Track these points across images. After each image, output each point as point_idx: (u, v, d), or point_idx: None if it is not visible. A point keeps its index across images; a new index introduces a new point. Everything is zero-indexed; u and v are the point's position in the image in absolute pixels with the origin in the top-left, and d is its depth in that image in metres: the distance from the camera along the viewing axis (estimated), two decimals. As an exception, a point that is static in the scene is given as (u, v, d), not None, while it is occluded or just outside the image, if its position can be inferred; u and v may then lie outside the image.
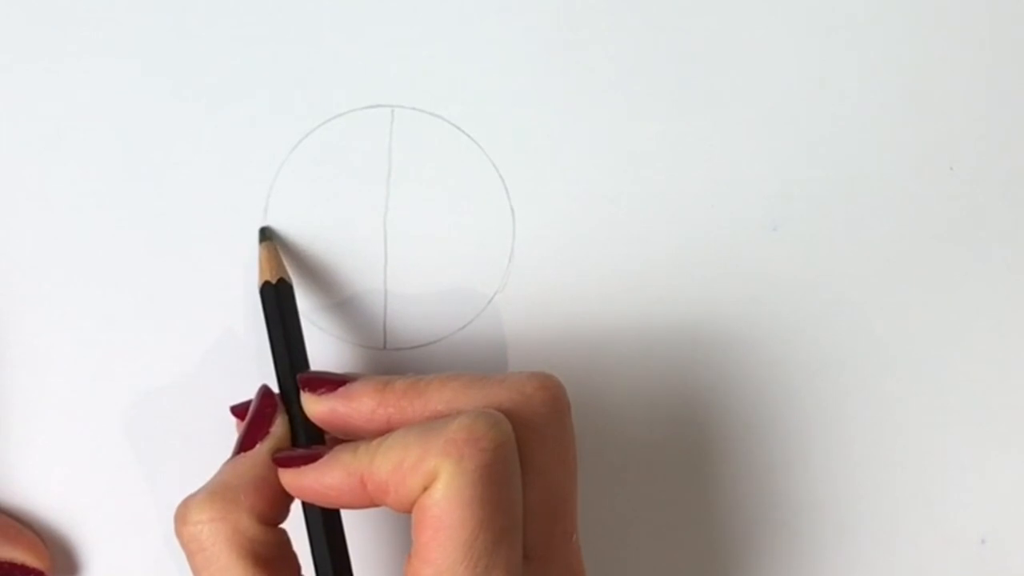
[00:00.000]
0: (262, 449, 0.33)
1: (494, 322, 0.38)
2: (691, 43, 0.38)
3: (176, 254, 0.37)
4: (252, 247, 0.37)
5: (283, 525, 0.33)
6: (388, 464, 0.30)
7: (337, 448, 0.31)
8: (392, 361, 0.38)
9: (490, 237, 0.38)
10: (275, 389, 0.34)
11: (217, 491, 0.32)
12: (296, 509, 0.33)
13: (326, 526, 0.33)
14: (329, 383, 0.33)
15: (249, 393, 0.35)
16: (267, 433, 0.33)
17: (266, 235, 0.37)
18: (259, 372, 0.37)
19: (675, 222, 0.38)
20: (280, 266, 0.35)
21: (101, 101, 0.37)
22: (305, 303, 0.37)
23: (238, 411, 0.35)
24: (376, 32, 0.37)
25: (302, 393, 0.33)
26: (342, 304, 0.38)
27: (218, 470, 0.33)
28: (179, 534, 0.32)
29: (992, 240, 0.39)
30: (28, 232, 0.37)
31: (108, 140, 0.37)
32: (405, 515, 0.30)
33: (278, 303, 0.35)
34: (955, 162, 0.39)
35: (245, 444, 0.33)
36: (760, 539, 0.39)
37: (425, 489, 0.29)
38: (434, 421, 0.30)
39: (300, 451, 0.32)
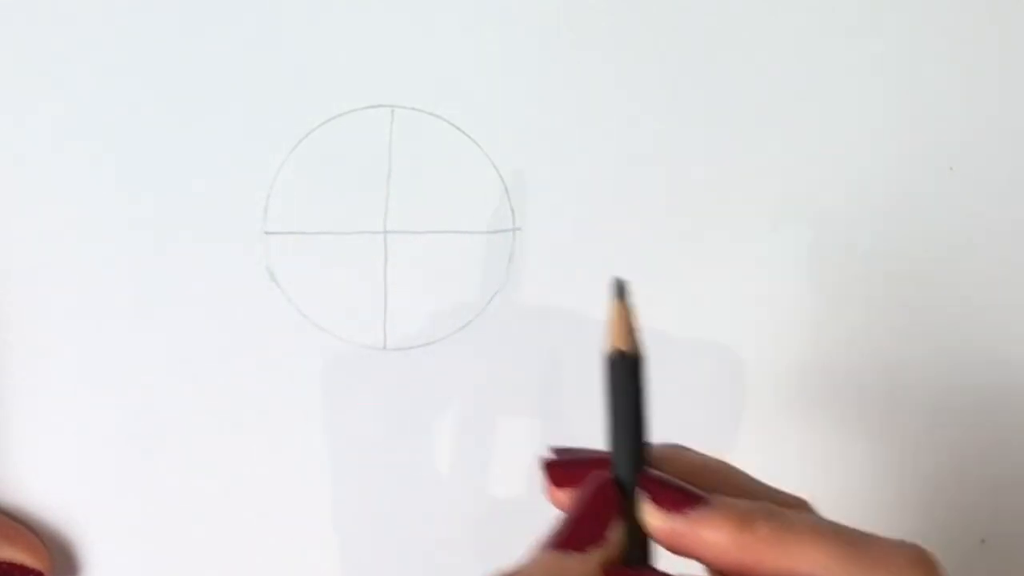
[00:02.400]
0: (594, 557, 0.27)
1: (494, 322, 0.38)
2: (691, 43, 0.38)
3: (176, 254, 0.37)
4: (253, 247, 0.37)
5: None
6: None
7: None
8: (392, 361, 0.38)
9: (490, 237, 0.38)
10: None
11: (554, 562, 0.27)
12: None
13: None
14: (679, 501, 0.28)
15: (247, 392, 0.35)
16: (601, 538, 0.28)
17: (622, 291, 0.30)
18: (259, 371, 0.37)
19: (675, 222, 0.38)
20: (637, 333, 0.29)
21: (101, 101, 0.37)
22: (305, 303, 0.37)
23: (555, 472, 0.30)
24: (376, 32, 0.37)
25: (644, 502, 0.28)
26: (342, 304, 0.38)
27: (537, 559, 0.27)
28: None
29: (992, 240, 0.39)
30: (28, 232, 0.37)
31: (108, 140, 0.37)
32: None
33: (630, 378, 0.29)
34: (955, 162, 0.39)
35: (574, 543, 0.28)
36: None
37: None
38: None
39: None
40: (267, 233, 0.37)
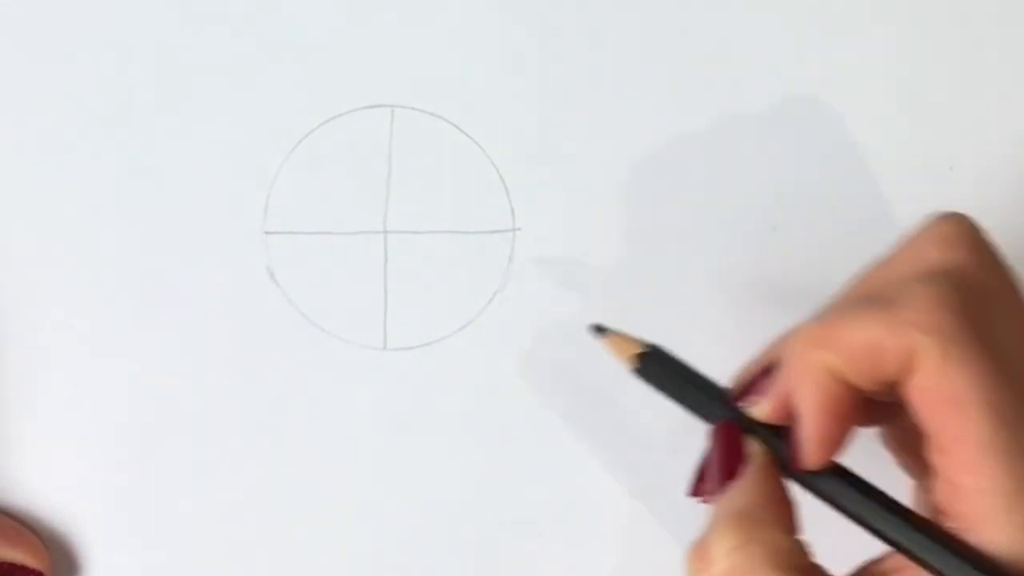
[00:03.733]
0: (750, 471, 0.30)
1: (494, 322, 0.38)
2: (691, 43, 0.38)
3: (176, 254, 0.37)
4: (252, 247, 0.37)
5: None
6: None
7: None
8: (392, 361, 0.38)
9: (490, 237, 0.38)
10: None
11: (733, 517, 0.29)
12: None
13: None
14: (755, 386, 0.31)
15: (247, 392, 0.35)
16: (744, 456, 0.30)
17: (602, 329, 0.33)
18: (259, 371, 0.37)
19: (675, 222, 0.38)
20: (633, 340, 0.33)
21: (101, 101, 0.37)
22: (305, 303, 0.37)
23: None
24: (376, 32, 0.37)
25: (742, 408, 0.31)
26: (342, 304, 0.38)
27: (714, 511, 0.30)
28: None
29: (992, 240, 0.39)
30: (28, 232, 0.37)
31: (108, 140, 0.37)
32: None
33: (664, 362, 0.33)
34: (955, 162, 0.39)
35: (725, 477, 0.30)
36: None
37: None
38: None
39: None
40: (267, 233, 0.38)
